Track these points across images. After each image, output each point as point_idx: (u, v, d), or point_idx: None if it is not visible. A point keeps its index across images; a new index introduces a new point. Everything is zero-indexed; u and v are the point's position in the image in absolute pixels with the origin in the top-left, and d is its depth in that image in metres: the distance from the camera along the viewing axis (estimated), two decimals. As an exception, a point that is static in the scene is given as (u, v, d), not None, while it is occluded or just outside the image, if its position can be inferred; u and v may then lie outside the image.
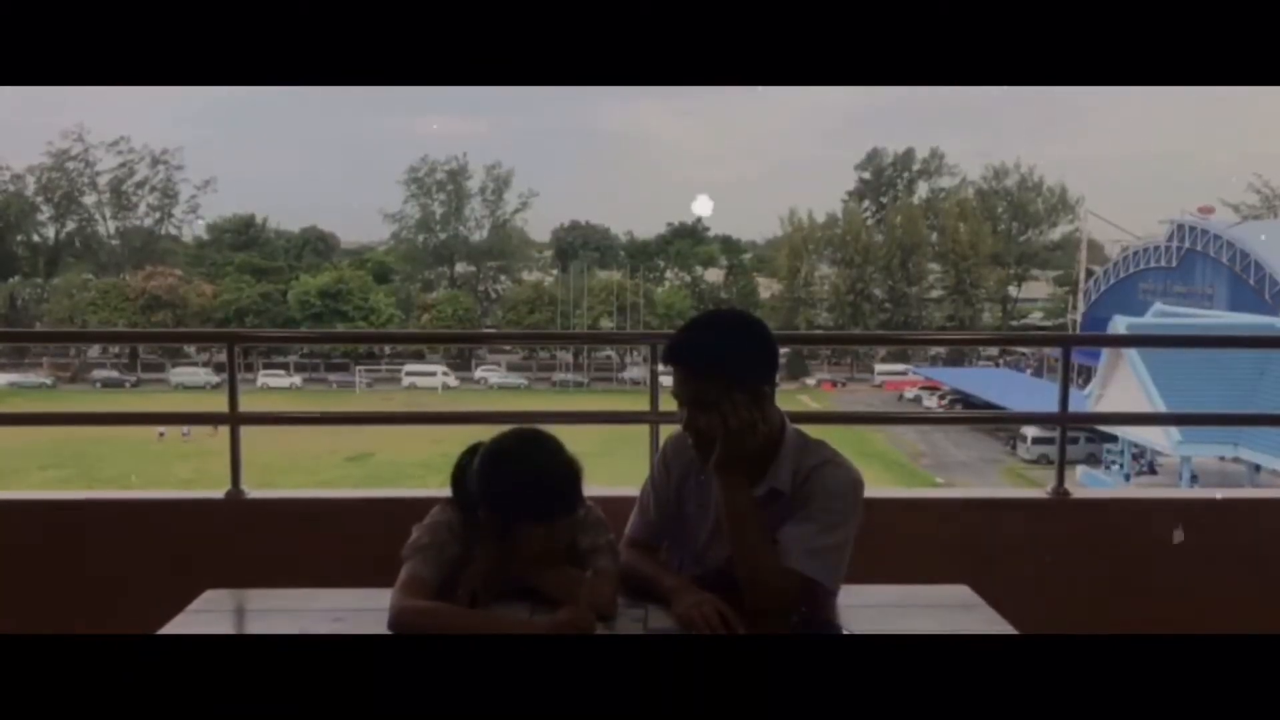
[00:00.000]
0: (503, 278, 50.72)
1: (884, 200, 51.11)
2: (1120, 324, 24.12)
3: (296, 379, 42.20)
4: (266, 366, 42.39)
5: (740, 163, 72.83)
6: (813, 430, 2.25)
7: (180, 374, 41.58)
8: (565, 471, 2.08)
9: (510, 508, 2.04)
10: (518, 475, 2.06)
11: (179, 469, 25.75)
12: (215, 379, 38.47)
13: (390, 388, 41.31)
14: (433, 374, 41.52)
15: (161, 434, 29.82)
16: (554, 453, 2.09)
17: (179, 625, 2.08)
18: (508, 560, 2.09)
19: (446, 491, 2.21)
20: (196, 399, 36.55)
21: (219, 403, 3.26)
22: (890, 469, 28.51)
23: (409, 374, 41.78)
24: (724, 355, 2.07)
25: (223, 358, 3.33)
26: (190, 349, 43.37)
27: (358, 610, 2.15)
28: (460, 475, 2.16)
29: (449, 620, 1.99)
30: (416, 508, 2.29)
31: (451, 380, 41.86)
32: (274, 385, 40.63)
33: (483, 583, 2.07)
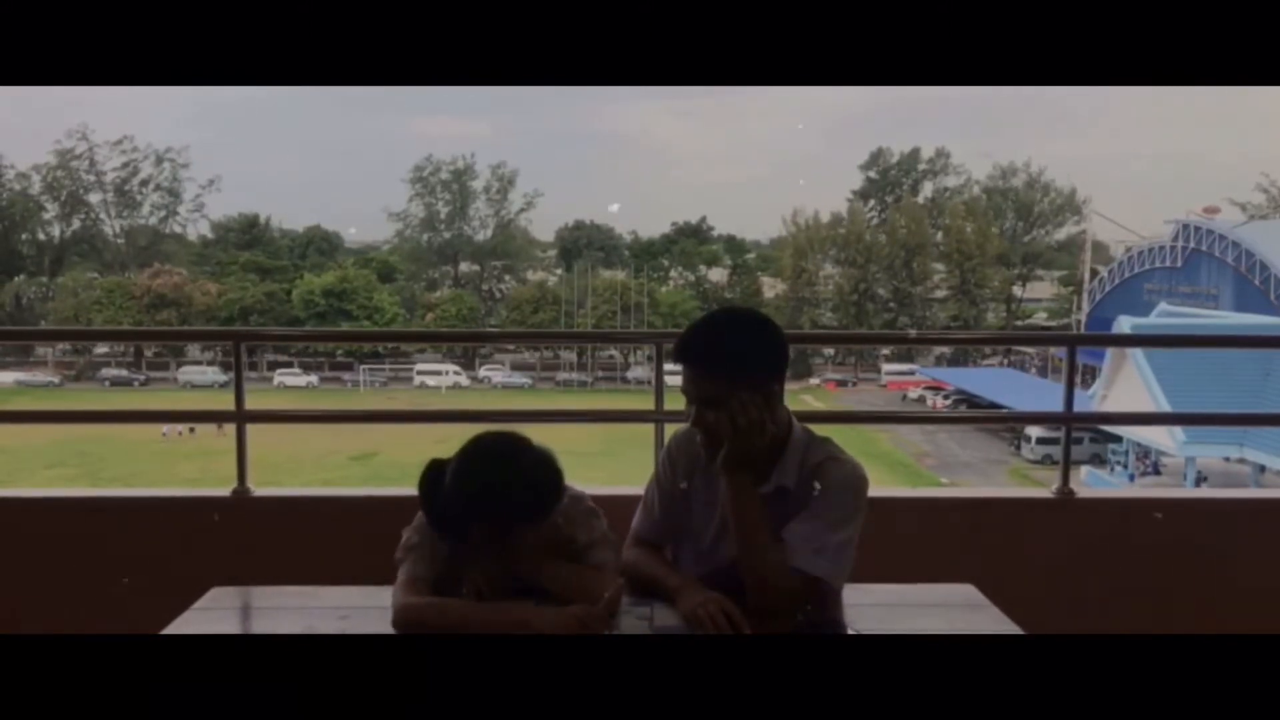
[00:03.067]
0: (507, 277, 50.83)
1: (889, 200, 51.11)
2: (1125, 324, 24.09)
3: (313, 378, 42.46)
4: (272, 366, 42.54)
5: (744, 162, 72.91)
6: (817, 430, 2.25)
7: (189, 372, 41.79)
8: (540, 469, 2.04)
9: (492, 514, 2.01)
10: (493, 481, 2.01)
11: (184, 468, 25.78)
12: (223, 378, 38.67)
13: (402, 386, 41.41)
14: (443, 373, 41.67)
15: (165, 433, 29.84)
16: (524, 451, 2.05)
17: (185, 622, 2.09)
18: (509, 557, 2.09)
19: None
20: (204, 397, 36.66)
21: (227, 401, 3.26)
22: (894, 469, 28.49)
23: (419, 373, 41.93)
24: (734, 353, 2.07)
25: (227, 356, 3.33)
26: (194, 348, 43.55)
27: (363, 608, 2.15)
28: (427, 492, 2.11)
29: (453, 614, 1.99)
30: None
31: (463, 380, 42.01)
32: (291, 384, 40.96)
33: (487, 580, 2.07)
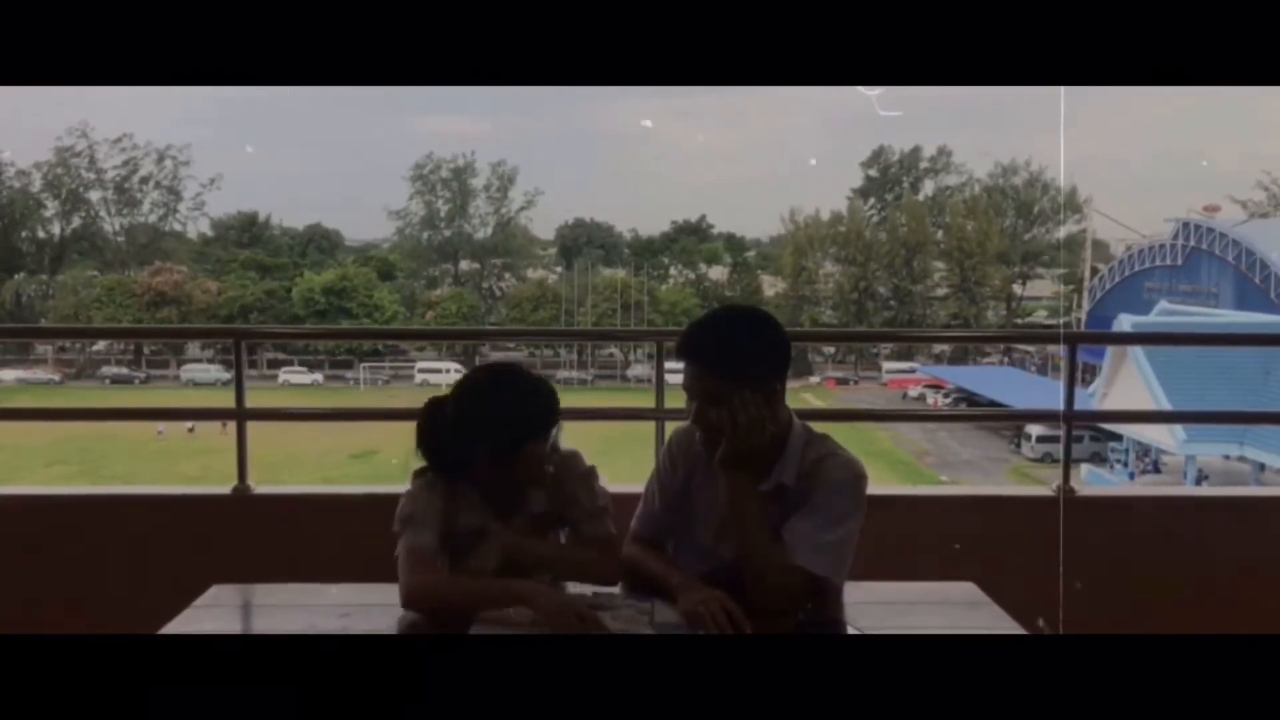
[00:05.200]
0: (507, 275, 50.76)
1: (888, 198, 51.10)
2: (1125, 322, 24.08)
3: (318, 376, 42.38)
4: (272, 364, 42.50)
5: (745, 160, 72.74)
6: (818, 428, 2.25)
7: (191, 370, 41.72)
8: (544, 387, 2.17)
9: (498, 426, 2.08)
10: (507, 398, 2.12)
11: (185, 466, 25.77)
12: (226, 375, 38.58)
13: (403, 385, 41.40)
14: (444, 371, 41.63)
15: (161, 432, 29.50)
16: (525, 371, 2.20)
17: (186, 620, 2.09)
18: (513, 480, 2.14)
19: None
20: (207, 396, 36.64)
21: (230, 399, 3.26)
22: (895, 468, 28.46)
23: (420, 371, 41.92)
24: (736, 351, 2.07)
25: (226, 354, 3.33)
26: (194, 345, 43.55)
27: (364, 605, 2.16)
28: (427, 426, 2.19)
29: (463, 591, 2.02)
30: None
31: (465, 378, 41.86)
32: (296, 382, 40.91)
33: (497, 558, 2.08)
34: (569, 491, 2.21)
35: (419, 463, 2.24)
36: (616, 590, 2.19)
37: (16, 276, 45.82)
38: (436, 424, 2.16)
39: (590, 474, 2.24)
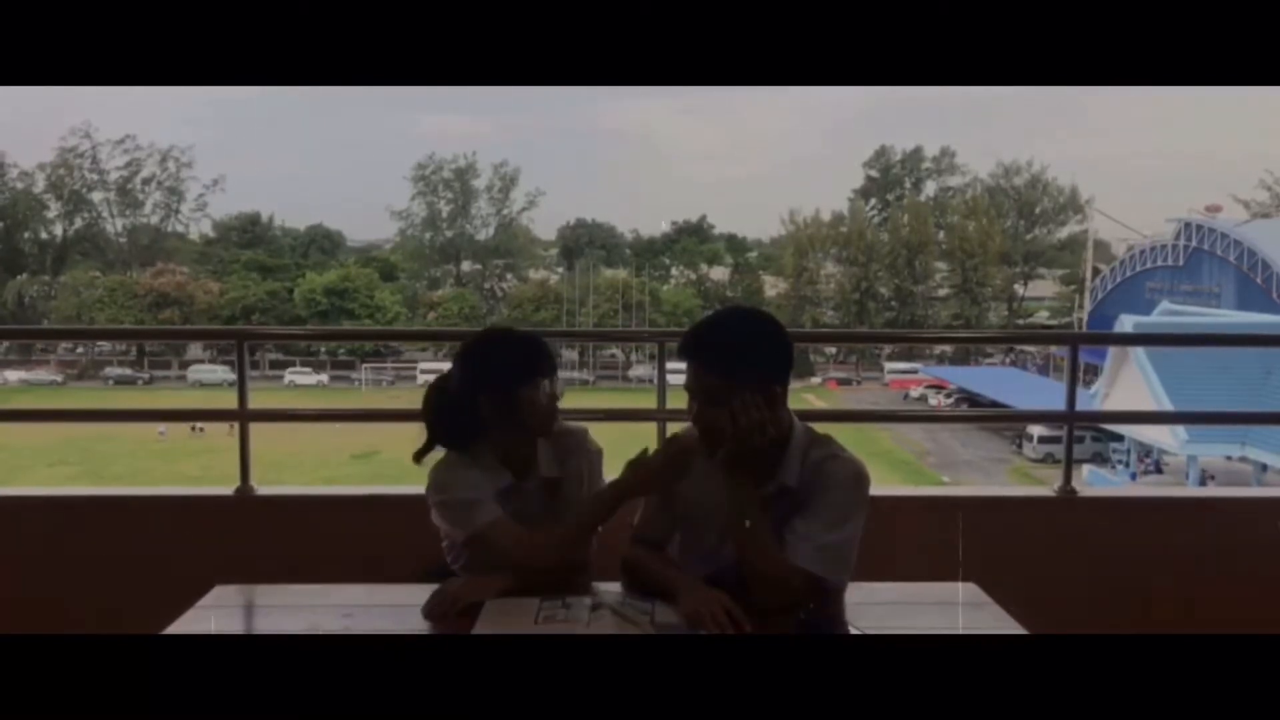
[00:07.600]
0: (509, 276, 50.82)
1: (889, 198, 51.09)
2: (1127, 323, 24.06)
3: (323, 377, 42.36)
4: (274, 365, 42.50)
5: (746, 161, 72.81)
6: (819, 429, 2.25)
7: (198, 371, 41.71)
8: (534, 339, 2.35)
9: (502, 376, 2.23)
10: (499, 349, 2.29)
11: (186, 466, 25.78)
12: (232, 376, 38.42)
13: (405, 385, 41.41)
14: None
15: (162, 433, 29.38)
16: (515, 330, 2.39)
17: (189, 620, 2.09)
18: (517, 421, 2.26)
19: None
20: (213, 396, 36.64)
21: (234, 400, 3.27)
22: (896, 468, 28.45)
23: (423, 371, 41.96)
24: (738, 353, 2.08)
25: (226, 356, 3.33)
26: (196, 346, 43.58)
27: (366, 606, 2.16)
28: (435, 405, 2.33)
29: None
30: (422, 505, 2.31)
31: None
32: (301, 383, 40.91)
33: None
34: (577, 466, 2.33)
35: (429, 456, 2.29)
36: (615, 587, 2.20)
37: (19, 277, 45.87)
38: (443, 396, 2.29)
39: (600, 456, 2.37)
